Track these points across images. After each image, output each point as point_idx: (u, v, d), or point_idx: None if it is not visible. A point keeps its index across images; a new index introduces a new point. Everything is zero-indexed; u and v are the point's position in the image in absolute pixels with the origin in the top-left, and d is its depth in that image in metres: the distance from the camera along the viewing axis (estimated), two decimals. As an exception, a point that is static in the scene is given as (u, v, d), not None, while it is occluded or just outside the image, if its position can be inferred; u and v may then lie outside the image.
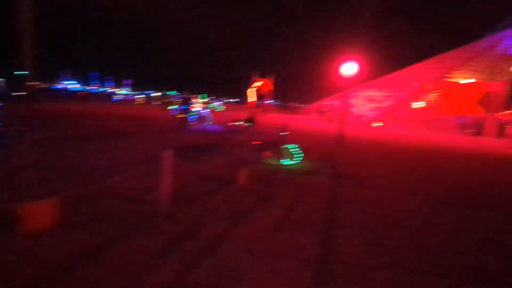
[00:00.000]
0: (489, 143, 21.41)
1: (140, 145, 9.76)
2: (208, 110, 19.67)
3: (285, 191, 6.19)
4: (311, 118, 36.72)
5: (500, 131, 25.64)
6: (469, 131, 24.72)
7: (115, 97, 48.68)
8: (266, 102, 47.90)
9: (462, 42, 36.15)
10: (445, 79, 32.82)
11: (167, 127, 14.68)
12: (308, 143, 12.12)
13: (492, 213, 5.81)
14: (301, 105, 64.76)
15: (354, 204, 5.66)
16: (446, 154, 14.26)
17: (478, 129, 20.44)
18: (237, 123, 14.92)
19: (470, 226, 4.99)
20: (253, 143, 10.42)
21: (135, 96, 51.27)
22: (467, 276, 3.49)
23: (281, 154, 8.48)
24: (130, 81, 53.05)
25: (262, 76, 51.24)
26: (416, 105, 33.98)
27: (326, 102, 44.52)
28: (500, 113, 33.34)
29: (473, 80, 31.50)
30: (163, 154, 4.64)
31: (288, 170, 8.02)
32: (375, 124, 32.59)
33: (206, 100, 34.58)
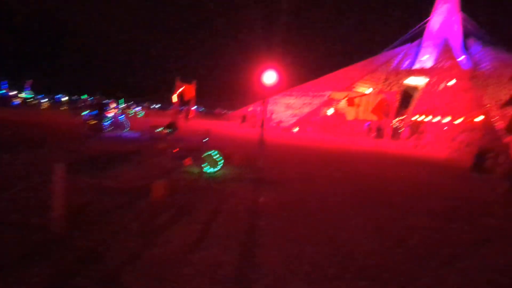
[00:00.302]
0: (387, 144, 24.14)
1: (36, 157, 8.29)
2: (123, 116, 18.07)
3: (206, 201, 5.78)
4: (235, 124, 36.83)
5: (396, 134, 29.19)
6: (372, 135, 27.50)
7: (15, 101, 42.01)
8: (189, 108, 46.67)
9: (364, 56, 40.45)
10: (351, 89, 36.20)
11: (76, 135, 12.95)
12: (231, 149, 11.89)
13: (398, 210, 6.27)
14: (227, 111, 64.93)
15: (276, 210, 5.54)
16: (355, 155, 15.48)
17: (379, 133, 22.92)
18: (156, 130, 13.94)
19: (383, 226, 5.25)
20: (173, 150, 9.75)
21: (41, 100, 45.02)
22: (381, 276, 3.55)
23: (202, 161, 8.03)
24: (30, 82, 46.19)
25: (186, 81, 49.93)
26: (329, 111, 36.79)
27: (250, 109, 45.29)
28: (395, 118, 38.13)
29: (371, 89, 35.40)
30: (54, 167, 3.82)
31: (210, 178, 7.62)
32: (295, 130, 34.24)
33: (123, 105, 32.06)
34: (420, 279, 3.56)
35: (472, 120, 17.17)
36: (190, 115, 48.15)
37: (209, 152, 8.19)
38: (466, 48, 37.33)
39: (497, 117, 26.98)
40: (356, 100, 27.61)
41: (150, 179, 6.10)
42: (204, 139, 8.37)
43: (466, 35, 37.03)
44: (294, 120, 38.90)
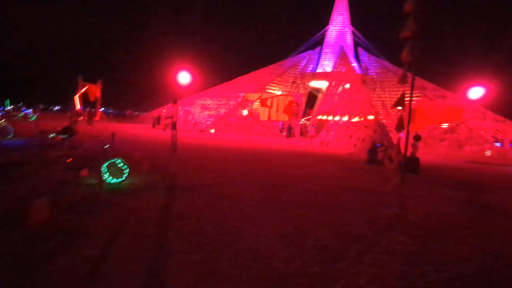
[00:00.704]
0: (297, 143, 25.54)
1: None
2: (4, 120, 14.99)
3: (105, 219, 4.89)
4: (148, 127, 34.44)
5: (304, 133, 31.17)
6: (284, 134, 28.75)
7: None
8: (92, 110, 41.99)
9: (274, 60, 42.23)
10: (263, 90, 37.38)
11: None
12: (141, 154, 10.78)
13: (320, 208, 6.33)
14: (139, 113, 60.51)
15: (188, 220, 4.99)
16: (269, 154, 15.78)
17: (289, 132, 24.14)
18: (49, 136, 11.83)
19: (301, 226, 5.16)
20: (68, 159, 8.28)
21: None
22: (300, 283, 3.35)
23: (104, 171, 6.93)
24: None
25: (90, 80, 44.77)
26: (244, 112, 37.34)
27: (164, 110, 43.04)
28: (303, 118, 40.79)
29: (280, 92, 37.21)
30: None
31: (113, 190, 6.61)
32: (212, 131, 33.71)
33: (9, 107, 26.86)
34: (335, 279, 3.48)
35: (366, 118, 19.27)
36: (96, 118, 43.40)
37: (112, 160, 7.13)
38: (357, 56, 42.15)
39: (381, 116, 30.87)
40: (268, 101, 28.55)
41: (33, 198, 4.89)
42: (106, 145, 7.25)
43: (356, 45, 41.84)
44: (210, 121, 38.34)
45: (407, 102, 5.95)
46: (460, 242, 4.86)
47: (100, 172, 6.76)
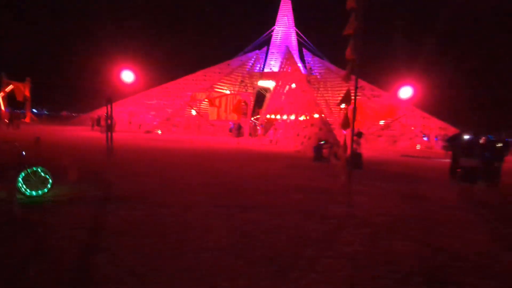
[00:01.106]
0: (247, 142, 25.31)
1: None
2: None
3: (16, 243, 3.97)
4: (86, 129, 31.56)
5: (254, 132, 31.08)
6: (233, 133, 28.28)
7: None
8: (20, 111, 37.43)
9: (221, 59, 41.49)
10: (211, 90, 36.56)
11: None
12: (73, 160, 9.52)
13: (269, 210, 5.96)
14: (77, 114, 55.43)
15: (122, 237, 4.28)
16: (218, 155, 15.22)
17: (239, 131, 23.80)
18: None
19: (247, 237, 4.74)
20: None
21: None
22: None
23: (20, 182, 5.83)
24: None
25: (17, 78, 39.74)
26: (192, 111, 36.12)
27: (106, 111, 39.93)
28: (252, 117, 40.76)
29: (229, 91, 36.79)
30: None
31: (32, 204, 5.57)
32: (158, 132, 31.98)
33: None
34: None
35: (312, 117, 19.68)
36: (26, 120, 38.73)
37: (32, 169, 6.03)
38: (301, 57, 43.28)
39: (323, 114, 31.97)
40: (217, 101, 27.88)
41: None
42: (22, 151, 6.10)
43: (301, 46, 42.96)
44: (157, 121, 36.46)
45: (352, 99, 5.89)
46: (407, 237, 4.84)
47: (14, 184, 5.65)
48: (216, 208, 5.91)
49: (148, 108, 42.36)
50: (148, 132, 30.48)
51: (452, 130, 32.43)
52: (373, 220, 5.66)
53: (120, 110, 42.90)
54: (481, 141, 9.67)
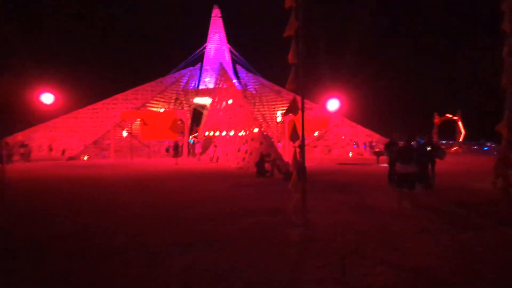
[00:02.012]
0: (186, 161, 23.64)
1: None
2: None
3: None
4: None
5: (193, 151, 29.40)
6: (170, 153, 26.25)
7: None
8: None
9: (154, 77, 39.20)
10: (144, 109, 34.04)
11: None
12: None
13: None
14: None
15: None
16: (155, 178, 13.49)
17: (176, 151, 22.01)
18: None
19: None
20: None
21: None
22: None
23: None
24: None
25: None
26: (123, 133, 32.99)
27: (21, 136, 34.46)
28: (189, 136, 38.93)
29: (163, 109, 34.75)
30: None
31: None
32: (85, 158, 28.22)
33: None
34: None
35: (251, 131, 19.08)
36: None
37: None
38: (236, 73, 43.26)
39: (263, 128, 31.98)
40: (150, 120, 25.72)
41: None
42: None
43: (234, 62, 43.01)
44: (82, 146, 32.44)
45: (300, 108, 5.20)
46: (378, 261, 4.16)
47: None
48: (148, 251, 4.57)
49: (72, 131, 37.77)
50: (71, 159, 26.66)
51: (376, 137, 35.11)
52: (335, 242, 4.92)
53: (39, 136, 37.43)
54: (413, 145, 9.91)
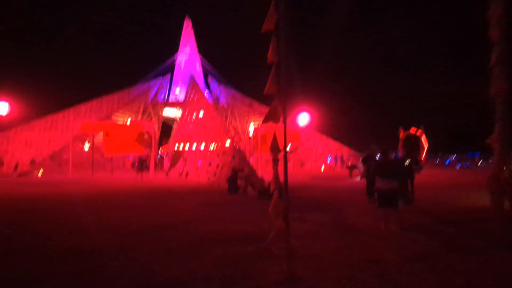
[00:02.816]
0: (152, 177, 21.95)
1: None
2: None
3: None
4: None
5: (159, 165, 27.66)
6: (135, 168, 24.37)
7: None
8: None
9: (121, 87, 37.02)
10: (108, 120, 31.87)
11: None
12: None
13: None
14: None
15: None
16: (116, 197, 11.93)
17: (142, 165, 20.31)
18: None
19: None
20: None
21: None
22: None
23: None
24: None
25: None
26: (85, 147, 30.50)
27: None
28: (157, 149, 36.93)
29: (129, 120, 32.77)
30: None
31: None
32: (39, 174, 25.48)
33: None
34: None
35: (223, 144, 18.03)
36: None
37: None
38: (207, 85, 42.24)
39: (235, 141, 30.96)
40: (113, 133, 23.79)
41: None
42: None
43: (206, 74, 42.02)
44: (36, 161, 29.51)
45: (277, 117, 4.31)
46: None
47: None
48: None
49: (27, 145, 34.47)
50: (22, 175, 23.91)
51: (346, 150, 35.38)
52: (326, 280, 3.98)
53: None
54: (392, 159, 9.38)
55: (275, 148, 4.32)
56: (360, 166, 11.14)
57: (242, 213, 8.59)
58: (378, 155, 9.17)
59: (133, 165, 27.57)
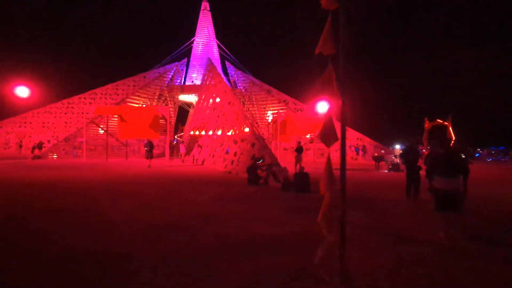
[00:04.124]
0: (168, 163, 21.22)
1: None
2: None
3: None
4: None
5: (177, 152, 26.89)
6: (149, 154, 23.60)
7: None
8: None
9: (137, 71, 36.33)
10: (124, 104, 31.30)
11: None
12: None
13: None
14: None
15: None
16: (129, 184, 11.09)
17: (149, 151, 19.11)
18: None
19: None
20: None
21: None
22: None
23: None
24: None
25: None
26: (100, 130, 30.10)
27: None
28: (173, 135, 36.28)
29: (145, 105, 32.06)
30: None
31: None
32: (54, 156, 25.32)
33: None
34: None
35: (242, 131, 16.90)
36: None
37: None
38: (224, 70, 40.93)
39: (255, 127, 29.76)
40: (128, 117, 23.06)
41: None
42: None
43: (223, 58, 40.62)
44: (51, 143, 29.45)
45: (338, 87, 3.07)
46: None
47: None
48: None
49: (44, 127, 34.58)
50: (36, 157, 23.69)
51: (367, 140, 33.48)
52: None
53: (5, 131, 34.01)
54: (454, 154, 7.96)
55: (331, 136, 3.10)
56: (400, 160, 9.66)
57: (265, 209, 7.47)
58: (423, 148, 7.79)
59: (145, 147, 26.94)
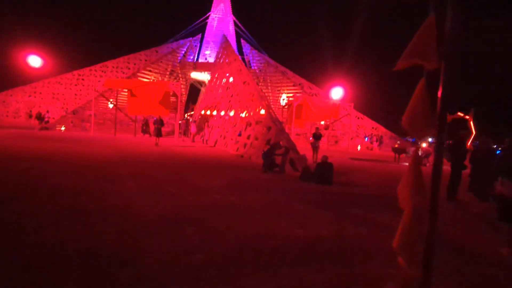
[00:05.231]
0: (177, 143, 20.48)
1: None
2: None
3: None
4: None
5: (186, 131, 26.10)
6: (153, 132, 22.79)
7: None
8: None
9: (150, 46, 35.16)
10: (134, 78, 30.39)
11: None
12: None
13: None
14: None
15: None
16: (135, 163, 10.32)
17: (159, 129, 18.29)
18: None
19: None
20: None
21: None
22: None
23: None
24: None
25: None
26: (109, 104, 29.41)
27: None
28: (184, 113, 35.41)
29: (155, 80, 31.07)
30: None
31: None
32: (62, 128, 24.83)
33: None
34: None
35: (257, 113, 15.88)
36: None
37: None
38: (239, 48, 39.39)
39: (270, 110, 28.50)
40: (138, 91, 22.18)
41: None
42: None
43: (239, 36, 39.02)
44: (61, 115, 28.95)
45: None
46: None
47: None
48: None
49: (54, 98, 34.07)
50: (44, 128, 23.19)
51: (382, 130, 32.04)
52: None
53: (15, 100, 33.67)
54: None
55: (424, 121, 2.04)
56: (447, 155, 8.38)
57: (284, 202, 6.54)
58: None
59: (154, 124, 26.17)
